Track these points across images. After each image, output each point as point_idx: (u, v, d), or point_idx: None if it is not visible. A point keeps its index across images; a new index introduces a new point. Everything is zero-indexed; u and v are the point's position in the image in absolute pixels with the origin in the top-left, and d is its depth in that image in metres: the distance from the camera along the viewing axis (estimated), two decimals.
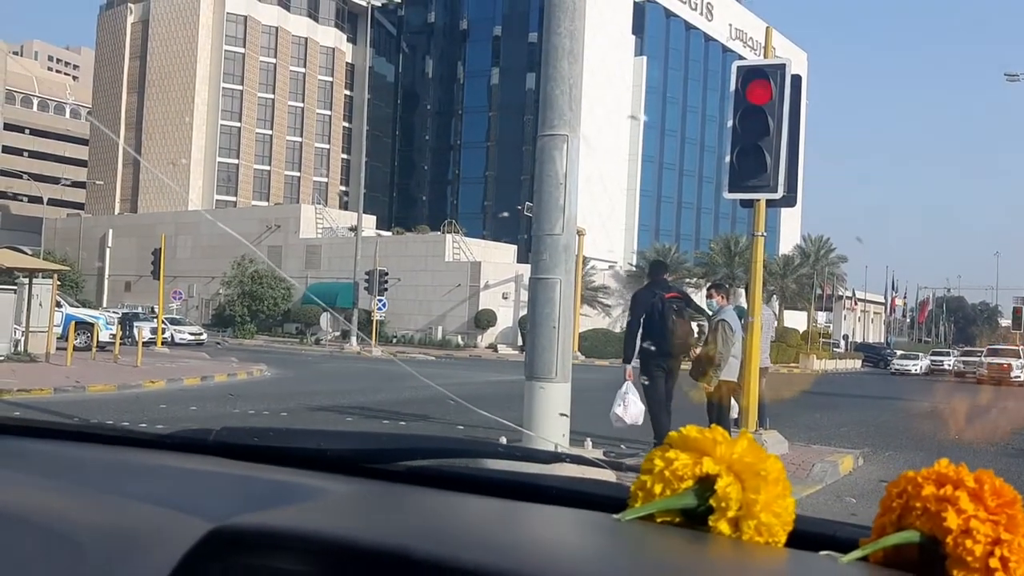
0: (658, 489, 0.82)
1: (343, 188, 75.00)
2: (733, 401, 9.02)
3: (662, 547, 0.81)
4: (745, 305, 9.69)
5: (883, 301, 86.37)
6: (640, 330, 8.35)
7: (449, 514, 0.95)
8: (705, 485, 0.81)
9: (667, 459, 0.82)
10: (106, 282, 61.05)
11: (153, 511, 0.89)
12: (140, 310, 40.12)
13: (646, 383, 8.40)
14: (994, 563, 0.70)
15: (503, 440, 6.30)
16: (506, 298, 46.76)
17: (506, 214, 58.81)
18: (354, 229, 43.47)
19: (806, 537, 0.84)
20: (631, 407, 8.09)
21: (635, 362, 8.53)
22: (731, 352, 8.66)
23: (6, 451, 1.22)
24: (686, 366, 8.97)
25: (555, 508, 0.99)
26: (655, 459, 0.83)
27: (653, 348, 8.28)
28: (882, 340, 78.68)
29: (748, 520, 0.79)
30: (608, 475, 1.46)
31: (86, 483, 1.03)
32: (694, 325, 8.82)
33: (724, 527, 0.79)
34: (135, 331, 24.02)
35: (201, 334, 37.44)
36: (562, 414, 6.89)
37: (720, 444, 0.81)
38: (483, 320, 45.89)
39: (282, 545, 0.75)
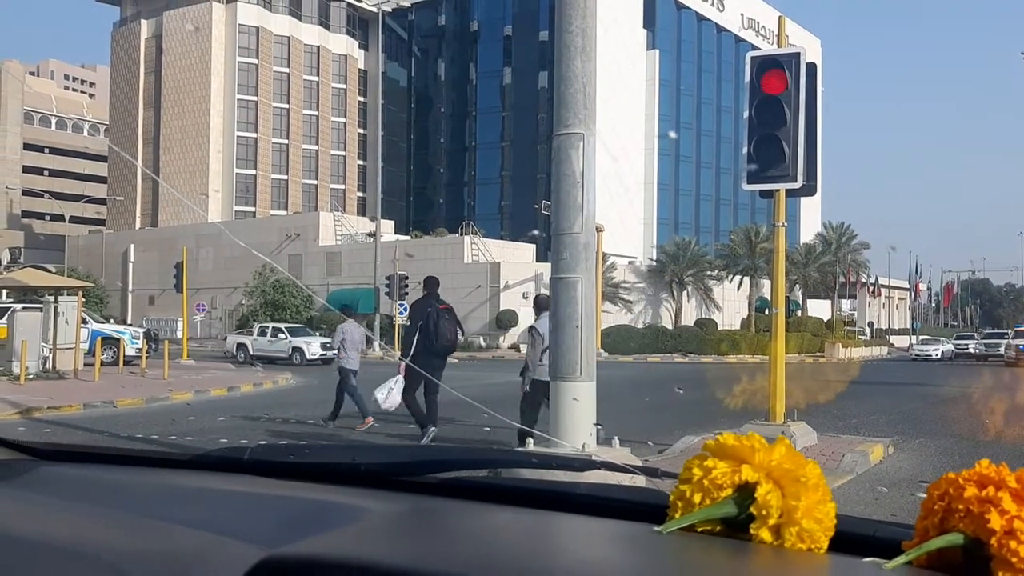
0: (697, 498, 0.81)
1: (360, 194, 75.24)
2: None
3: (707, 561, 0.80)
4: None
5: (907, 287, 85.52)
6: (418, 333, 9.66)
7: (490, 533, 0.95)
8: (745, 493, 0.80)
9: (705, 468, 0.82)
10: (130, 297, 61.61)
11: (197, 536, 0.89)
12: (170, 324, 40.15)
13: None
14: None
15: (531, 442, 6.32)
16: (526, 298, 46.72)
17: (536, 232, 57.24)
18: (373, 235, 43.61)
19: (846, 539, 0.83)
20: (391, 397, 9.44)
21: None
22: (546, 354, 9.23)
23: (47, 478, 1.23)
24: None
25: (594, 520, 0.99)
26: (693, 468, 0.82)
27: (426, 347, 9.50)
28: (908, 326, 77.96)
29: (790, 527, 0.78)
30: (640, 480, 1.46)
31: (127, 508, 1.04)
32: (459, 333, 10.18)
33: (766, 535, 0.79)
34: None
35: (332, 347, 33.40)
36: (596, 425, 6.94)
37: (758, 451, 0.81)
38: (504, 320, 45.91)
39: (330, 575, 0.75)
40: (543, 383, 9.12)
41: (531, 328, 9.66)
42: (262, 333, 31.54)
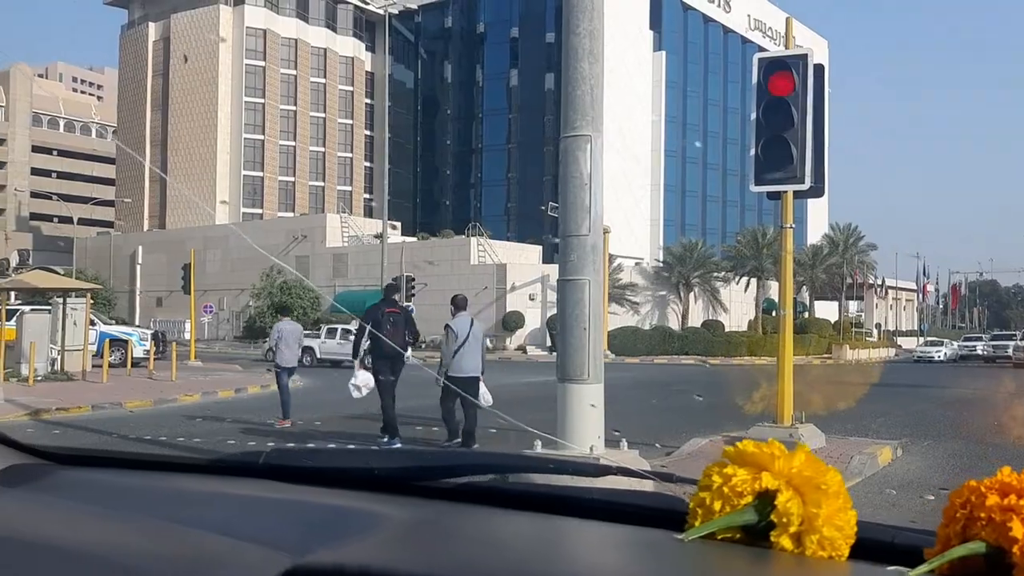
0: (717, 506, 0.81)
1: (367, 196, 75.30)
2: (485, 389, 10.01)
3: (729, 569, 0.80)
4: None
5: (915, 288, 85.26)
6: (366, 335, 10.70)
7: (510, 539, 0.95)
8: (765, 500, 0.80)
9: (725, 475, 0.81)
10: (138, 298, 61.75)
11: (220, 541, 0.89)
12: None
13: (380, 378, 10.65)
14: None
15: (538, 444, 6.30)
16: (533, 299, 46.71)
17: (550, 238, 57.50)
18: (380, 236, 43.66)
19: (864, 545, 0.82)
20: (362, 385, 10.56)
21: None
22: (460, 351, 9.91)
23: (65, 483, 1.24)
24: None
25: (612, 526, 0.99)
26: (713, 475, 0.83)
27: (375, 349, 10.46)
28: (915, 328, 77.73)
29: (811, 535, 0.78)
30: (648, 485, 1.46)
31: (147, 512, 1.04)
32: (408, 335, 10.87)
33: (787, 543, 0.79)
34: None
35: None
36: (615, 431, 7.08)
37: (778, 458, 0.80)
38: (511, 322, 45.89)
39: None
40: (458, 379, 9.79)
41: (447, 326, 10.21)
42: (331, 335, 29.43)
